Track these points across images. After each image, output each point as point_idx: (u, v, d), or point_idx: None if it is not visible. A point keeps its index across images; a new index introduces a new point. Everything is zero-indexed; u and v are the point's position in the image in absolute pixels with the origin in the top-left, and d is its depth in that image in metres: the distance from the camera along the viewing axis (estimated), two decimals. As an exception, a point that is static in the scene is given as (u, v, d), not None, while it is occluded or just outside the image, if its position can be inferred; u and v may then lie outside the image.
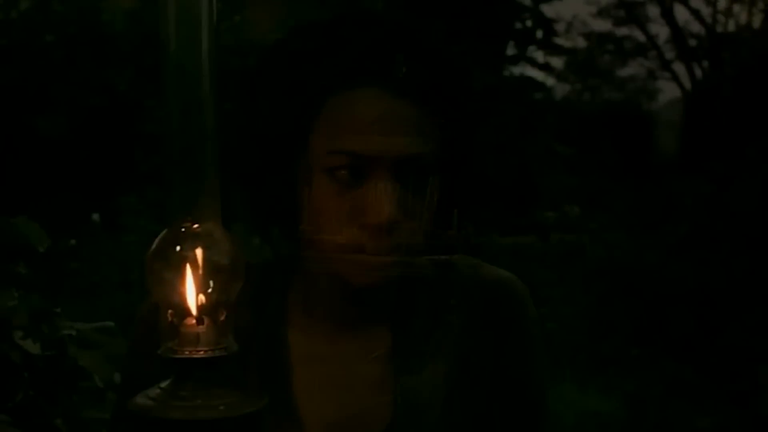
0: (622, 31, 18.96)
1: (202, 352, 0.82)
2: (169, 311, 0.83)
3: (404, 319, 1.18)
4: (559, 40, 14.31)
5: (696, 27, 21.15)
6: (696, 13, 16.85)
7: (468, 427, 1.16)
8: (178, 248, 0.83)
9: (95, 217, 7.99)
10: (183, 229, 0.84)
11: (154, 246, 0.84)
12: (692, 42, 17.18)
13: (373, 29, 1.08)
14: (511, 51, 13.21)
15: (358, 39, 1.07)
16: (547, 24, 13.21)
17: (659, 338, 6.21)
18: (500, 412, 1.18)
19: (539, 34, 13.20)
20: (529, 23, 13.20)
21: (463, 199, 1.14)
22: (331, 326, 1.17)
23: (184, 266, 0.83)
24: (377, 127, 1.04)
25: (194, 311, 0.82)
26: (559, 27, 15.02)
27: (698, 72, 16.60)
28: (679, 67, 17.54)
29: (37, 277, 1.64)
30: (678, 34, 17.06)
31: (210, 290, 0.83)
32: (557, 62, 16.65)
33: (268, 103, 1.09)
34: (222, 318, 0.83)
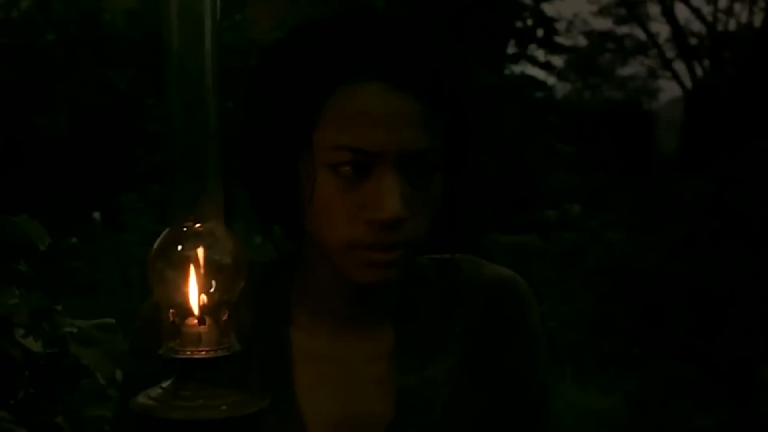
0: (623, 29, 19.00)
1: (203, 352, 0.82)
2: (171, 311, 0.83)
3: (407, 318, 1.18)
4: (560, 39, 14.33)
5: (697, 26, 21.20)
6: (697, 12, 16.87)
7: (470, 426, 1.16)
8: (179, 248, 0.83)
9: (96, 215, 7.98)
10: (185, 229, 0.84)
11: (156, 245, 0.84)
12: (693, 41, 17.20)
13: (375, 25, 1.08)
14: (511, 49, 13.21)
15: (360, 35, 1.07)
16: (548, 22, 13.22)
17: (660, 337, 6.20)
18: (502, 411, 1.18)
19: (540, 32, 13.21)
20: (529, 22, 13.21)
21: (464, 197, 1.14)
22: (334, 324, 1.17)
23: (186, 266, 0.82)
24: (381, 122, 1.04)
25: (196, 311, 0.82)
26: (560, 25, 15.03)
27: (699, 71, 16.61)
28: (679, 66, 17.56)
29: (38, 275, 1.64)
30: (679, 32, 17.06)
31: (212, 290, 0.83)
32: (558, 61, 16.64)
33: (271, 101, 1.09)
34: (224, 318, 0.83)
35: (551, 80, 15.10)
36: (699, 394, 5.41)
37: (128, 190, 8.08)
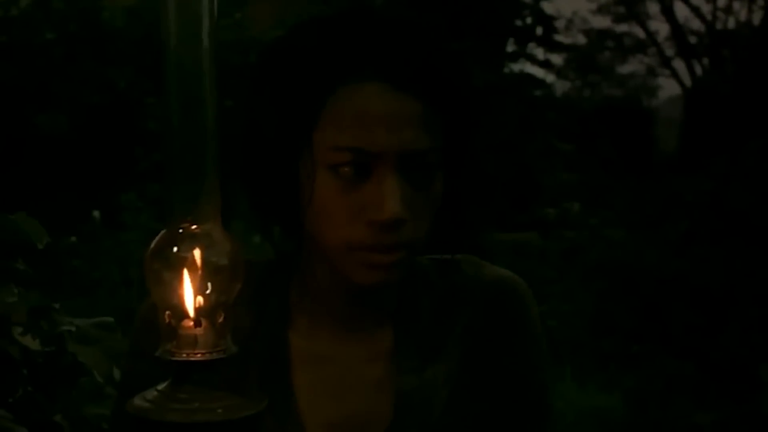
0: (622, 27, 19.02)
1: (199, 355, 0.81)
2: (167, 312, 0.82)
3: (406, 319, 1.17)
4: (559, 37, 14.36)
5: (696, 24, 21.20)
6: (696, 10, 16.88)
7: (470, 428, 1.16)
8: (175, 249, 0.82)
9: (96, 214, 7.97)
10: (181, 230, 0.83)
11: (152, 246, 0.83)
12: (692, 39, 17.22)
13: (375, 25, 1.07)
14: (511, 48, 13.23)
15: (360, 34, 1.06)
16: (547, 21, 13.24)
17: (659, 335, 6.20)
18: (502, 413, 1.17)
19: (539, 31, 13.24)
20: (529, 20, 13.24)
21: (465, 197, 1.14)
22: (333, 326, 1.16)
23: (182, 268, 0.82)
24: (381, 122, 1.03)
25: (192, 313, 0.82)
26: (559, 24, 15.06)
27: (698, 69, 16.62)
28: (679, 64, 17.58)
29: (37, 273, 1.64)
30: (678, 31, 17.08)
31: (208, 292, 0.82)
32: (557, 59, 16.65)
33: (271, 100, 1.08)
34: (220, 320, 0.82)
35: (550, 78, 15.15)
36: (699, 392, 5.41)
37: (128, 188, 8.06)
